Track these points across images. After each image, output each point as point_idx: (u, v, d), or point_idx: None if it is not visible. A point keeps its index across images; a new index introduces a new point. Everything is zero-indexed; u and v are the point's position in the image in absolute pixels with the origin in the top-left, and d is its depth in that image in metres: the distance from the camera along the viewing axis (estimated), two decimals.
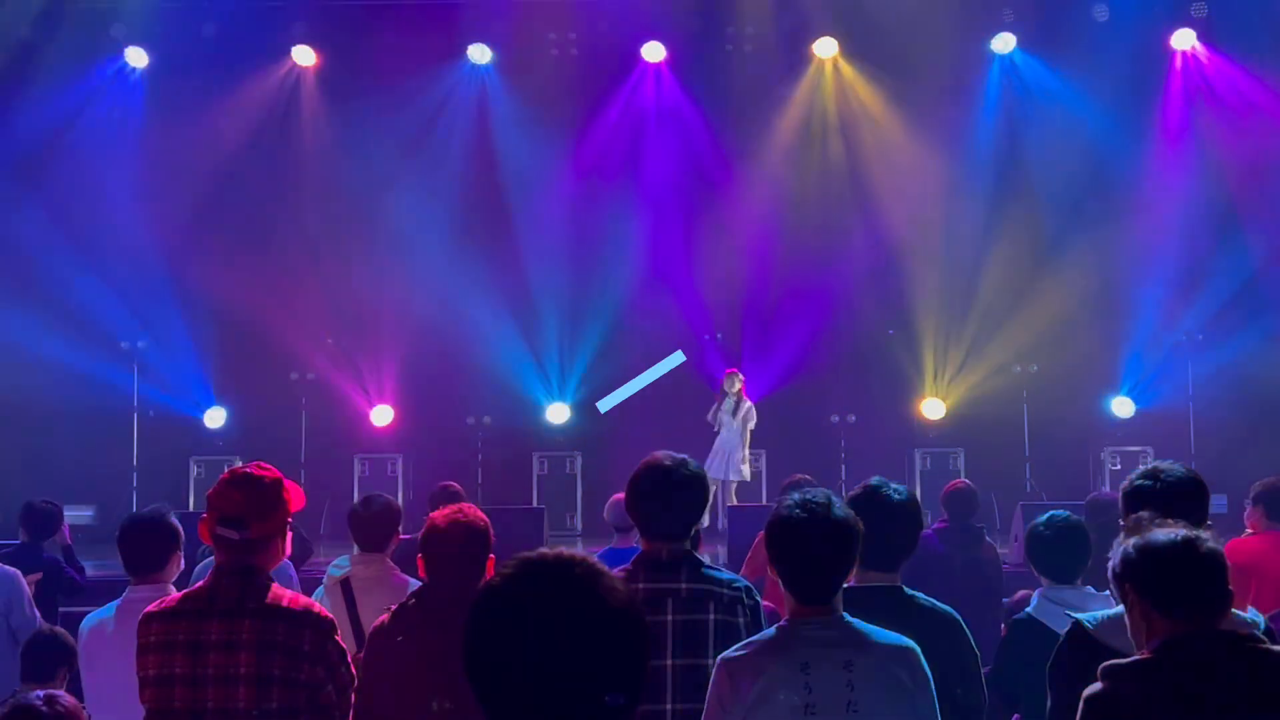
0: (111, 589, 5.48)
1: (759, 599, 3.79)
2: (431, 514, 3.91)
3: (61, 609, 7.13)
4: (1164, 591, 2.59)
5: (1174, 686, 2.42)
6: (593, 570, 1.74)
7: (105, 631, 4.39)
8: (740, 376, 12.53)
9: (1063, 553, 4.43)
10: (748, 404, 12.39)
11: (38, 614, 6.29)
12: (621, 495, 6.78)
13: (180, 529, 4.69)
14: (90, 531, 12.55)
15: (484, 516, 3.94)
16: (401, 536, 5.36)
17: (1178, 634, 2.49)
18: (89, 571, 9.78)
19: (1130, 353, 13.40)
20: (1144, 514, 2.92)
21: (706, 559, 3.89)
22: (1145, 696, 2.43)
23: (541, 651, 1.67)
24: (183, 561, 4.78)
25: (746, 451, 12.31)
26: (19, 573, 6.31)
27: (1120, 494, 3.52)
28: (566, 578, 1.71)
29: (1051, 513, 4.62)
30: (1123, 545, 2.72)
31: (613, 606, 1.71)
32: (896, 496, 3.65)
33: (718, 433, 12.24)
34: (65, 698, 3.40)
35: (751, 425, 12.32)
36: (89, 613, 4.66)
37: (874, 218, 13.55)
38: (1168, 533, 2.67)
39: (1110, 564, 2.74)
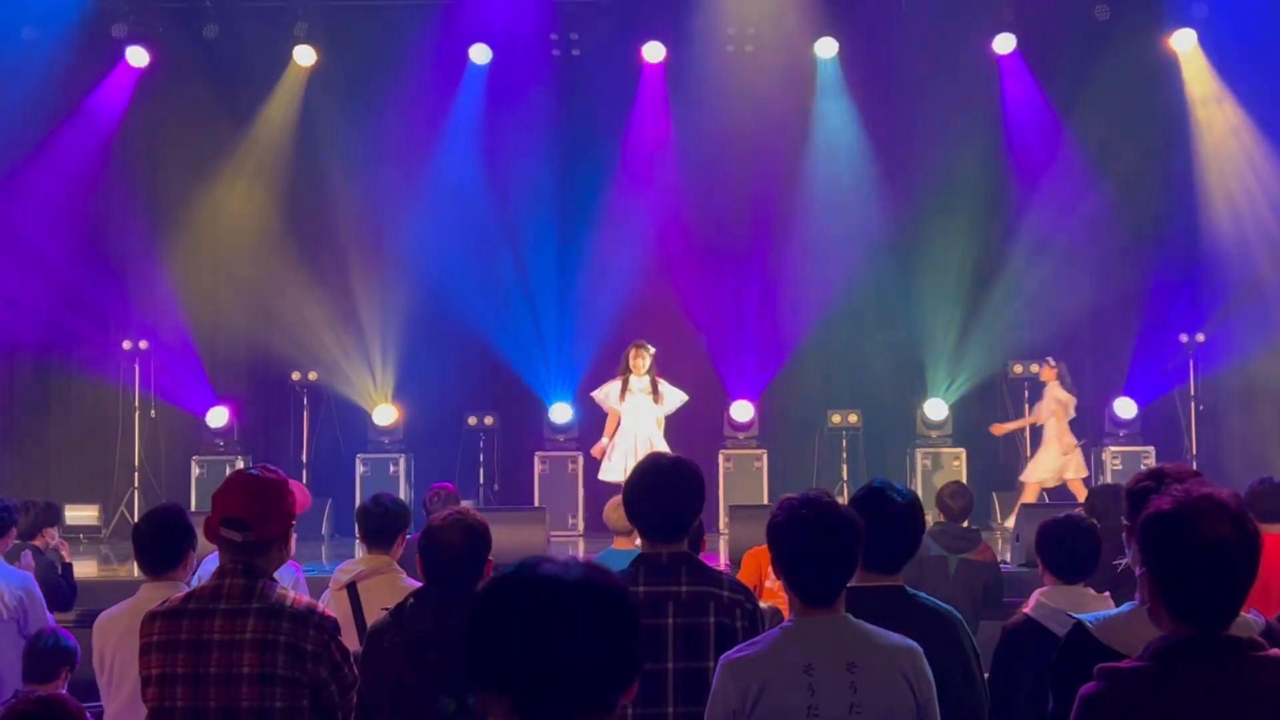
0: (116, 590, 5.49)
1: (758, 604, 3.79)
2: (430, 516, 3.93)
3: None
4: (1188, 603, 2.44)
5: (1171, 693, 2.41)
6: (590, 564, 1.83)
7: (118, 629, 4.39)
8: (652, 350, 10.93)
9: (1074, 553, 4.45)
10: (665, 383, 10.85)
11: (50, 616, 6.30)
12: (619, 498, 6.83)
13: (195, 528, 4.68)
14: (93, 531, 12.61)
15: (483, 518, 3.97)
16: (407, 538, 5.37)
17: (1180, 636, 2.46)
18: (90, 571, 9.86)
19: (1132, 352, 13.39)
20: (1171, 483, 2.79)
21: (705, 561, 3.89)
22: (1141, 702, 2.42)
23: (546, 632, 1.73)
24: (195, 561, 4.78)
25: (667, 446, 10.53)
26: (31, 575, 6.31)
27: (1124, 495, 3.52)
28: (567, 566, 1.80)
29: (1068, 512, 4.66)
30: (1153, 514, 2.47)
31: (613, 590, 1.79)
32: (899, 498, 3.65)
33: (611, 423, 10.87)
34: (67, 699, 3.41)
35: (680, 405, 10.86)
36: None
37: (873, 216, 13.56)
38: (1204, 522, 2.41)
39: (1127, 525, 2.57)
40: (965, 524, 7.00)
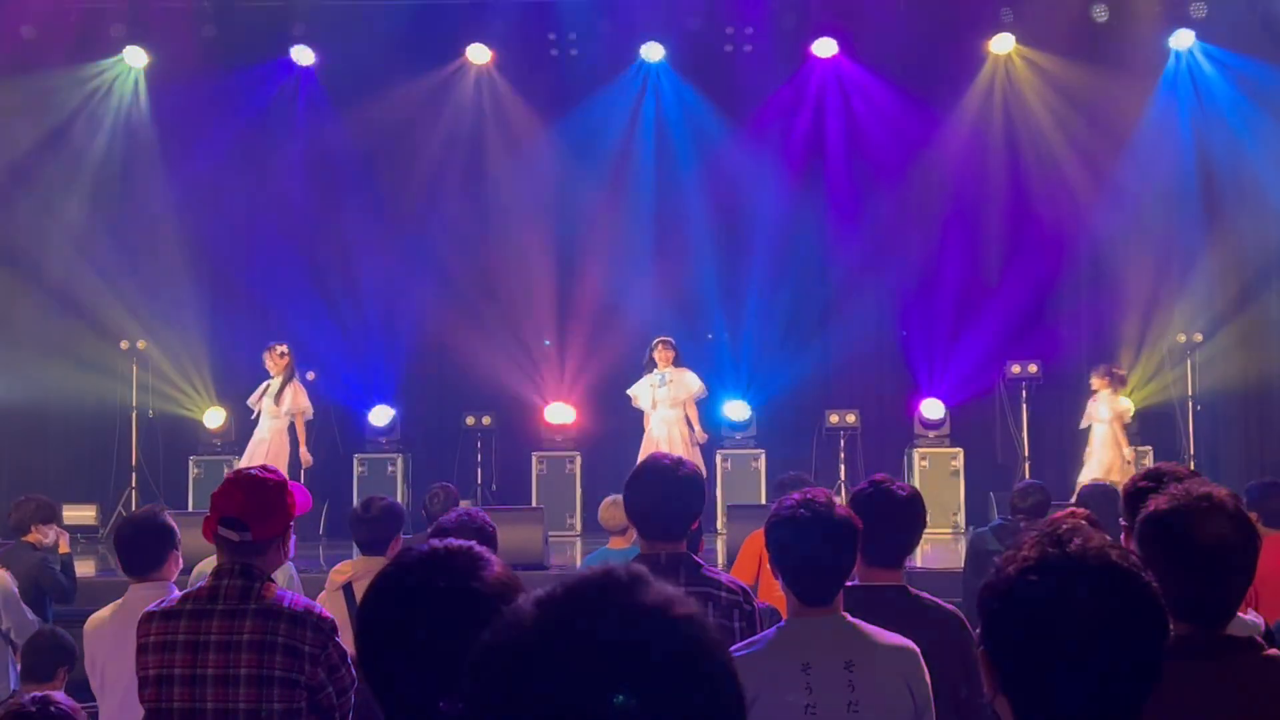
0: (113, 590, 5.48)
1: (755, 604, 3.79)
2: (440, 518, 3.95)
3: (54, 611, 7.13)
4: (1186, 602, 2.44)
5: (1169, 692, 2.40)
6: (475, 556, 1.80)
7: (106, 631, 4.40)
8: (669, 342, 11.40)
9: None
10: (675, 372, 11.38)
11: (29, 612, 6.28)
12: (612, 498, 6.88)
13: (175, 528, 4.70)
14: (90, 531, 12.59)
15: (490, 520, 3.98)
16: (403, 537, 5.37)
17: (1178, 635, 2.45)
18: (88, 570, 9.85)
19: (1131, 352, 13.37)
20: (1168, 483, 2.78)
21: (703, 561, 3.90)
22: None
23: (421, 631, 1.74)
24: (181, 560, 4.78)
25: (682, 435, 11.38)
26: (5, 573, 6.30)
27: (1122, 495, 3.51)
28: (448, 564, 1.78)
29: (1072, 510, 4.63)
30: (1152, 513, 2.49)
31: (489, 588, 1.76)
32: (901, 493, 3.67)
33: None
34: (62, 699, 3.41)
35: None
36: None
37: (872, 215, 13.57)
38: (1203, 521, 2.43)
39: (1126, 525, 2.58)
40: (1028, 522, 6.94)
